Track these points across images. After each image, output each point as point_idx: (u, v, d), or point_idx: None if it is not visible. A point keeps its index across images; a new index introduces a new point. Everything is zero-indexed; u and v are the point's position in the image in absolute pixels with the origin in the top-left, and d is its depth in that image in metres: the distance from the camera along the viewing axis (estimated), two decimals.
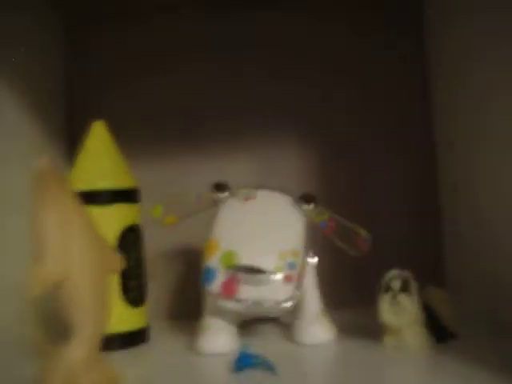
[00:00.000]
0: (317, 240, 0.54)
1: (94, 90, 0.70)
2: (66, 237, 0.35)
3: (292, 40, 0.71)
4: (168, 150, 0.70)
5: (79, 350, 0.36)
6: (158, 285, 0.68)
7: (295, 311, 0.54)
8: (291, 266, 0.49)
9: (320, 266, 0.55)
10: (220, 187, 0.53)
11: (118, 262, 0.39)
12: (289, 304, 0.48)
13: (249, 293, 0.48)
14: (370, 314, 0.54)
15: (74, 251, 0.35)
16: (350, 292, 0.67)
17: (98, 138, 0.56)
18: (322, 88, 0.70)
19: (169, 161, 0.69)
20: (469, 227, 0.60)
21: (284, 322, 0.58)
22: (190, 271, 0.68)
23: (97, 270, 0.37)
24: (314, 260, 0.54)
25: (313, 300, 0.53)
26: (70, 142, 0.68)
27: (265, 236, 0.50)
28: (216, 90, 0.70)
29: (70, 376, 0.35)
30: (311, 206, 0.52)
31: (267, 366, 0.44)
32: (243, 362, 0.44)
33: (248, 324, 0.58)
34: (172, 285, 0.69)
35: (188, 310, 0.67)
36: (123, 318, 0.54)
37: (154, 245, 0.66)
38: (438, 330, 0.49)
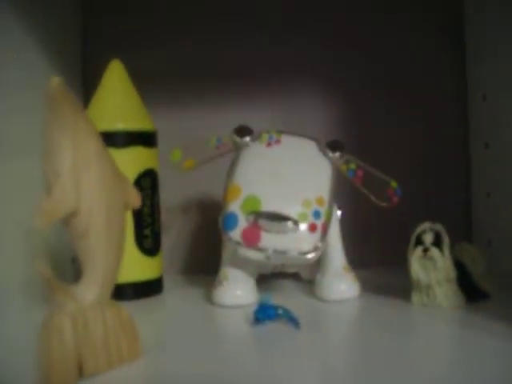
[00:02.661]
0: (341, 194, 0.51)
1: (110, 35, 0.67)
2: (79, 164, 0.32)
3: None
4: (188, 96, 0.66)
5: (90, 290, 0.34)
6: (172, 237, 0.65)
7: (318, 266, 0.51)
8: (316, 214, 0.46)
9: (344, 222, 0.52)
10: (242, 131, 0.50)
11: (135, 196, 0.36)
12: (312, 255, 0.45)
13: (271, 241, 0.45)
14: (397, 273, 0.51)
15: (86, 181, 0.33)
16: (375, 251, 0.64)
17: (115, 77, 0.53)
18: (347, 38, 0.66)
19: (188, 108, 0.66)
20: (499, 185, 0.57)
21: (303, 278, 0.56)
22: (206, 224, 0.65)
23: (112, 203, 0.34)
24: (339, 213, 0.51)
25: (337, 255, 0.50)
26: (86, 88, 0.64)
27: (289, 182, 0.47)
28: (238, 38, 0.66)
29: (79, 318, 0.32)
30: (338, 153, 0.49)
31: (290, 319, 0.41)
32: (264, 314, 0.42)
33: (266, 279, 0.56)
34: (187, 238, 0.66)
35: (202, 264, 0.65)
36: (137, 266, 0.52)
37: (169, 194, 0.63)
38: (470, 289, 0.46)
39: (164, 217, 0.60)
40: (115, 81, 0.52)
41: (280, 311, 0.42)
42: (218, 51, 0.66)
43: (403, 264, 0.46)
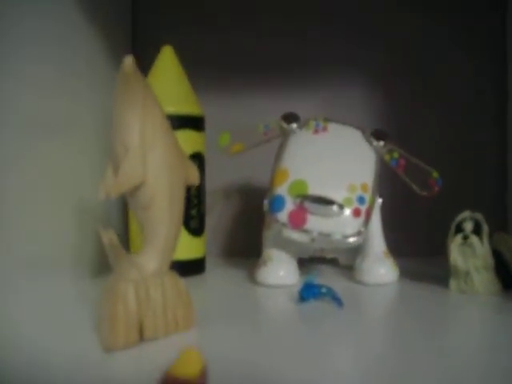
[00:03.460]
0: (383, 185, 0.52)
1: (162, 19, 0.69)
2: (147, 140, 0.34)
3: None
4: (237, 84, 0.68)
5: (153, 259, 0.36)
6: (214, 220, 0.67)
7: (355, 252, 0.53)
8: (361, 200, 0.47)
9: (385, 211, 0.54)
10: (290, 117, 0.52)
11: (194, 174, 0.38)
12: (356, 239, 0.47)
13: (316, 224, 0.46)
14: (432, 263, 0.53)
15: (152, 156, 0.35)
16: (411, 240, 0.65)
17: (167, 62, 0.55)
18: (388, 33, 0.68)
19: (237, 95, 0.67)
20: None
21: (341, 263, 0.58)
22: (248, 209, 0.67)
23: (174, 178, 0.36)
24: (379, 201, 0.53)
25: (377, 240, 0.52)
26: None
27: (336, 168, 0.49)
28: (288, 28, 0.68)
29: (141, 285, 0.34)
30: (382, 142, 0.51)
31: (333, 298, 0.43)
32: (308, 292, 0.43)
33: (305, 263, 0.57)
34: (228, 221, 0.68)
35: (242, 248, 0.67)
36: (183, 245, 0.53)
37: (214, 178, 0.65)
38: (507, 277, 0.48)
39: (208, 200, 0.62)
40: (167, 66, 0.54)
41: (324, 290, 0.44)
42: (269, 39, 0.68)
43: (438, 254, 0.47)
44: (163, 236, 0.36)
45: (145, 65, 0.55)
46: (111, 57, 0.59)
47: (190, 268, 0.54)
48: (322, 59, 0.67)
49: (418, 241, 0.65)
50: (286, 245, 0.50)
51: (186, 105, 0.54)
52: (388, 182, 0.56)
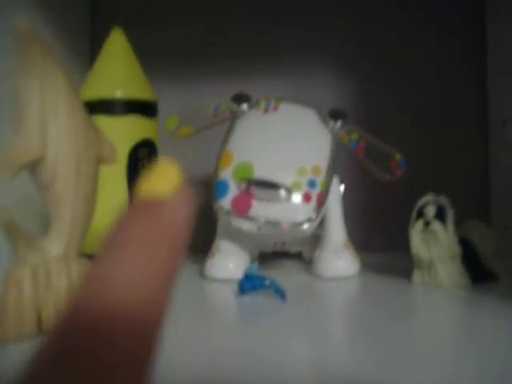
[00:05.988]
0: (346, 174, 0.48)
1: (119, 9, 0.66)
2: (46, 110, 0.31)
3: None
4: (195, 72, 0.65)
5: (56, 243, 0.32)
6: None
7: (318, 243, 0.48)
8: (311, 183, 0.43)
9: (348, 201, 0.50)
10: (239, 98, 0.48)
11: (110, 151, 0.35)
12: (306, 226, 0.43)
13: (263, 211, 0.42)
14: (404, 257, 0.48)
15: (54, 128, 0.31)
16: (383, 234, 0.61)
17: (116, 45, 0.52)
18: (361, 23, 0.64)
19: (195, 83, 0.64)
20: None
21: (307, 258, 0.54)
22: (206, 199, 0.64)
23: (82, 153, 0.32)
24: (341, 187, 0.48)
25: (336, 230, 0.48)
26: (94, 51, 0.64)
27: (284, 150, 0.45)
28: (249, 12, 0.65)
29: (41, 270, 0.31)
30: (340, 122, 0.47)
31: (276, 291, 0.39)
32: (249, 285, 0.40)
33: (268, 258, 0.53)
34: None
35: (201, 242, 0.63)
36: None
37: None
38: (477, 269, 0.43)
39: None
40: (116, 49, 0.51)
41: (267, 282, 0.39)
42: (228, 25, 0.65)
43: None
44: (69, 217, 0.32)
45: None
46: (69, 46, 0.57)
47: None
48: (285, 45, 0.64)
49: (391, 235, 0.61)
50: (236, 235, 0.46)
51: (135, 89, 0.50)
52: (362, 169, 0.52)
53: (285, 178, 0.43)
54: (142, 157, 0.50)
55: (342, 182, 0.49)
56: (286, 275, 0.47)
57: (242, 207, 0.42)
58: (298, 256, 0.55)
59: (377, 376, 0.23)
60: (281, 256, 0.55)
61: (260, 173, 0.43)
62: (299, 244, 0.51)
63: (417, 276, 0.43)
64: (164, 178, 0.15)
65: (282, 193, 0.42)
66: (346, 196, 0.50)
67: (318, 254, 0.47)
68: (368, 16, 0.63)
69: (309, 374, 0.25)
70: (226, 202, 0.43)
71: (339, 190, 0.48)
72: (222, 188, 0.44)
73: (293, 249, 0.51)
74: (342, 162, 0.48)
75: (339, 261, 0.46)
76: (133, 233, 0.14)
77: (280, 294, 0.39)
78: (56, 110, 0.31)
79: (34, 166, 0.31)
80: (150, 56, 0.56)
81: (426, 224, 0.42)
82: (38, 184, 0.33)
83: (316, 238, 0.48)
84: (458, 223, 0.43)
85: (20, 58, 0.31)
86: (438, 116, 0.63)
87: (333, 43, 0.64)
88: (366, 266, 0.49)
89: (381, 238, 0.59)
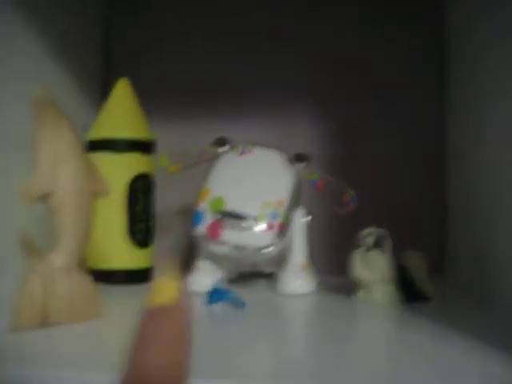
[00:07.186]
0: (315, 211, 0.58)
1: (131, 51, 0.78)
2: (56, 156, 0.41)
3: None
4: (189, 113, 0.76)
5: (61, 256, 0.42)
6: (170, 241, 0.74)
7: (281, 264, 0.57)
8: (273, 215, 0.52)
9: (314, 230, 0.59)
10: (220, 142, 0.58)
11: (103, 186, 0.45)
12: (269, 250, 0.52)
13: (231, 237, 0.52)
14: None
15: (64, 170, 0.41)
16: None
17: (122, 94, 0.62)
18: (335, 65, 0.74)
19: (187, 122, 0.76)
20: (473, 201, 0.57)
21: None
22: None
23: (82, 189, 0.42)
24: (307, 218, 0.57)
25: (297, 253, 0.56)
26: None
27: (253, 186, 0.54)
28: (230, 65, 0.76)
29: (48, 278, 0.40)
30: (303, 164, 0.56)
31: (236, 301, 0.48)
32: (214, 296, 0.49)
33: (244, 278, 0.62)
34: (180, 237, 0.75)
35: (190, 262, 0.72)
36: (128, 256, 0.60)
37: (169, 198, 0.72)
38: (411, 291, 0.52)
39: (162, 218, 0.69)
40: (120, 97, 0.61)
41: (228, 295, 0.49)
42: (212, 67, 0.76)
43: None
44: (70, 238, 0.42)
45: None
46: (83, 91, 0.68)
47: (134, 277, 0.60)
48: (262, 86, 0.75)
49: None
50: (211, 257, 0.55)
51: (134, 130, 0.60)
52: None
53: (250, 210, 0.52)
54: (138, 188, 0.60)
55: (308, 213, 0.58)
56: (252, 292, 0.56)
57: (214, 233, 0.52)
58: (270, 276, 0.64)
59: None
60: (256, 276, 0.64)
61: (230, 205, 0.53)
62: (271, 265, 0.59)
63: (359, 295, 0.52)
64: (166, 291, 0.23)
65: (249, 222, 0.52)
66: (313, 225, 0.59)
67: (281, 274, 0.56)
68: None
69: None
70: (201, 229, 0.53)
71: (304, 220, 0.57)
72: (199, 217, 0.53)
73: (267, 270, 0.59)
74: (310, 198, 0.57)
75: (297, 280, 0.55)
76: (156, 329, 0.22)
77: (239, 304, 0.48)
78: (64, 156, 0.41)
79: (46, 197, 0.41)
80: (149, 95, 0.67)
81: (365, 251, 0.51)
82: (49, 210, 0.43)
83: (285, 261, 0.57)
84: (401, 253, 0.53)
85: (36, 118, 0.41)
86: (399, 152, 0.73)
87: (307, 81, 0.73)
88: (325, 286, 0.58)
89: (340, 262, 0.68)
